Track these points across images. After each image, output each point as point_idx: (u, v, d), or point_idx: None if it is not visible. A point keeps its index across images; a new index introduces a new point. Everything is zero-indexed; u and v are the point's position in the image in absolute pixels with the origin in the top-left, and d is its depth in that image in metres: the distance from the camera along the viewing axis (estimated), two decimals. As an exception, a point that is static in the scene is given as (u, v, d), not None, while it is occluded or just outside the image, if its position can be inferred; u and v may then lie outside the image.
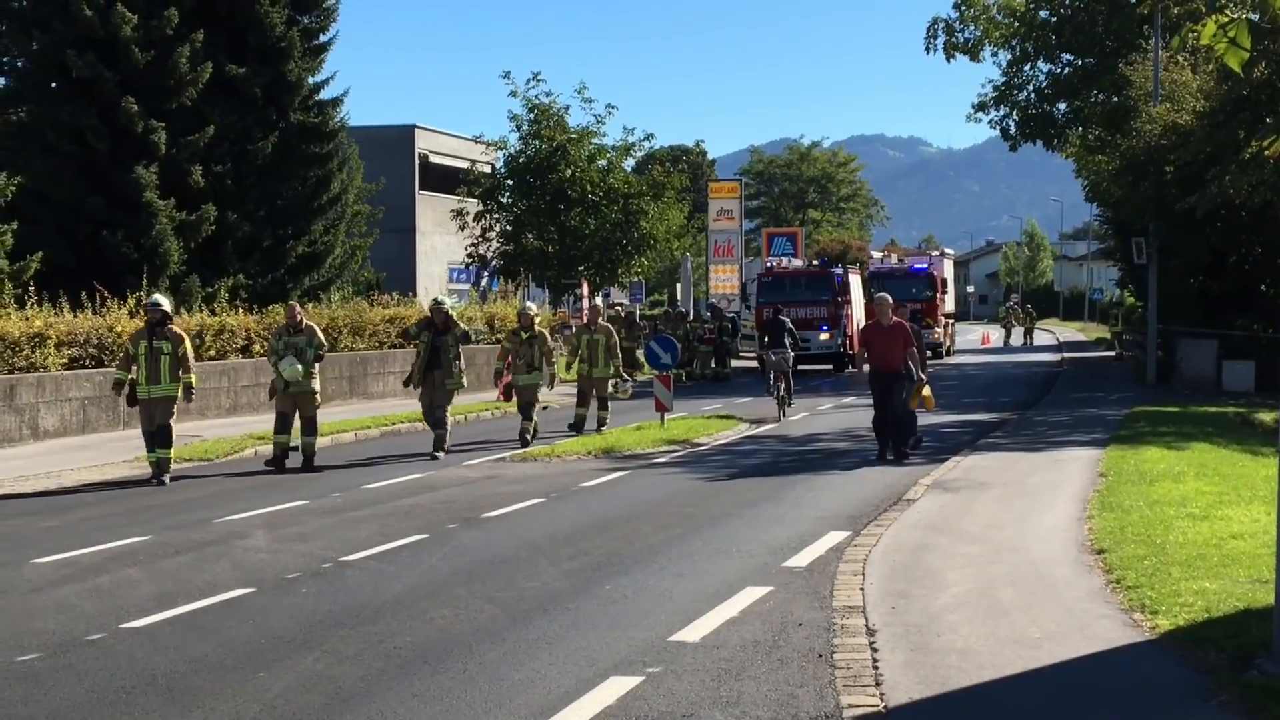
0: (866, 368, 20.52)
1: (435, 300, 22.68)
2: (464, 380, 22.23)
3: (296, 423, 20.32)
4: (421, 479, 18.76)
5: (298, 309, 21.04)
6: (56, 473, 19.71)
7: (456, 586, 11.37)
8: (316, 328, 21.08)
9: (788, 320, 31.33)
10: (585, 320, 26.66)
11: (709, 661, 8.84)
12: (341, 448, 23.59)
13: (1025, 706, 7.74)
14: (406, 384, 22.60)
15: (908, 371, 20.22)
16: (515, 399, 23.82)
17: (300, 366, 20.03)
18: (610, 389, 26.39)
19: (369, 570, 12.19)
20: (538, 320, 24.16)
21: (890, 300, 20.76)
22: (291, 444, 20.25)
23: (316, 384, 20.39)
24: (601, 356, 25.50)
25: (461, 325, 22.37)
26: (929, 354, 56.60)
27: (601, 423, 25.49)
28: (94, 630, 9.96)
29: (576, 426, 25.02)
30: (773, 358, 29.28)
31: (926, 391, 20.68)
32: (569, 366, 28.24)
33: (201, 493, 17.81)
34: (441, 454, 21.31)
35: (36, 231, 34.23)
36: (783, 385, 28.67)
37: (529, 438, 23.15)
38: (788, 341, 29.68)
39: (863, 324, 52.77)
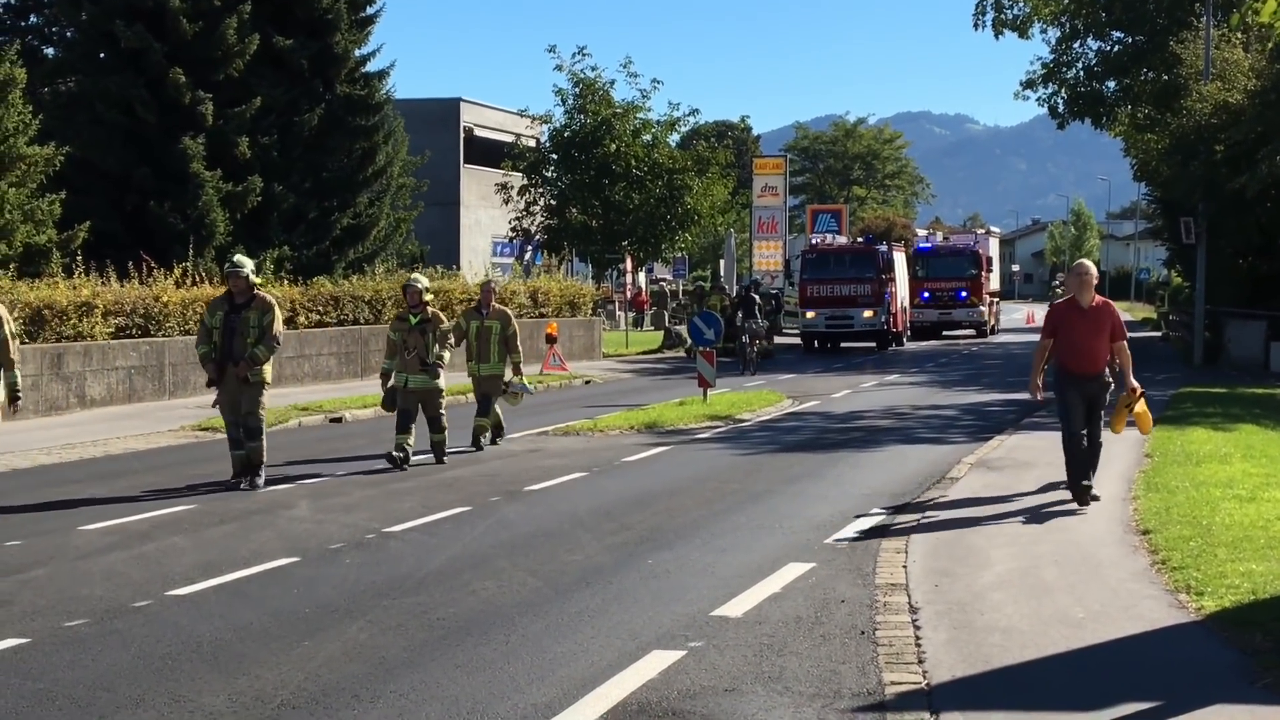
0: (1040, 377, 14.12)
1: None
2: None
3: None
4: (463, 452, 18.79)
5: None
6: (103, 441, 19.86)
7: (499, 559, 11.40)
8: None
9: (756, 297, 39.09)
10: (478, 303, 19.84)
11: (751, 637, 8.84)
12: (384, 419, 23.62)
13: (1068, 686, 7.70)
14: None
15: (1112, 378, 14.00)
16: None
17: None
18: (501, 389, 19.55)
19: (412, 541, 12.23)
20: (429, 298, 18.08)
21: (1093, 271, 13.71)
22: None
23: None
24: (494, 349, 19.35)
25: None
26: (973, 332, 56.99)
27: (480, 432, 19.27)
28: (140, 597, 10.03)
29: (475, 441, 19.18)
30: (750, 326, 37.18)
31: (1142, 407, 14.25)
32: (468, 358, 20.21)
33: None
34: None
35: (84, 201, 34.47)
36: (752, 348, 36.55)
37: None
38: (756, 313, 37.94)
39: (905, 300, 52.97)
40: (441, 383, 17.73)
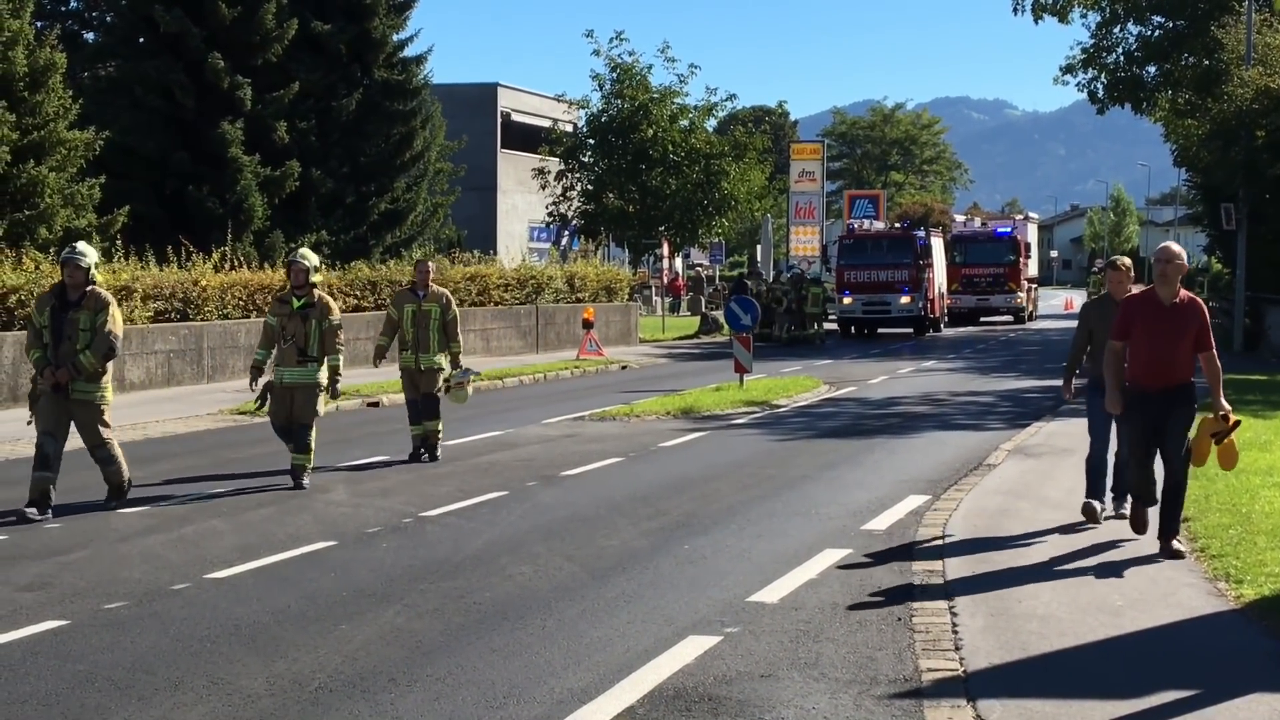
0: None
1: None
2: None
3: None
4: (500, 437, 18.84)
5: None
6: (142, 424, 19.96)
7: (535, 544, 11.42)
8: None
9: (750, 283, 41.56)
10: (412, 284, 17.31)
11: (787, 623, 8.83)
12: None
13: (1106, 674, 7.67)
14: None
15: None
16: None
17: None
18: (442, 387, 16.76)
19: (449, 526, 12.26)
20: (317, 278, 15.05)
21: (1182, 257, 10.71)
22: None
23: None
24: (434, 338, 16.64)
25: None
26: (1010, 319, 56.78)
27: (431, 438, 16.60)
28: (179, 580, 10.09)
29: (416, 454, 16.58)
30: None
31: (1232, 439, 10.92)
32: (381, 355, 17.29)
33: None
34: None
35: (124, 186, 34.60)
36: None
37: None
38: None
39: (943, 286, 52.81)
40: (324, 380, 14.71)
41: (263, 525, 12.32)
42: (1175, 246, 10.77)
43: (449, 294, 17.19)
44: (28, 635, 8.60)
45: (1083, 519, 11.87)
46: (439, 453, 16.57)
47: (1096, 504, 11.92)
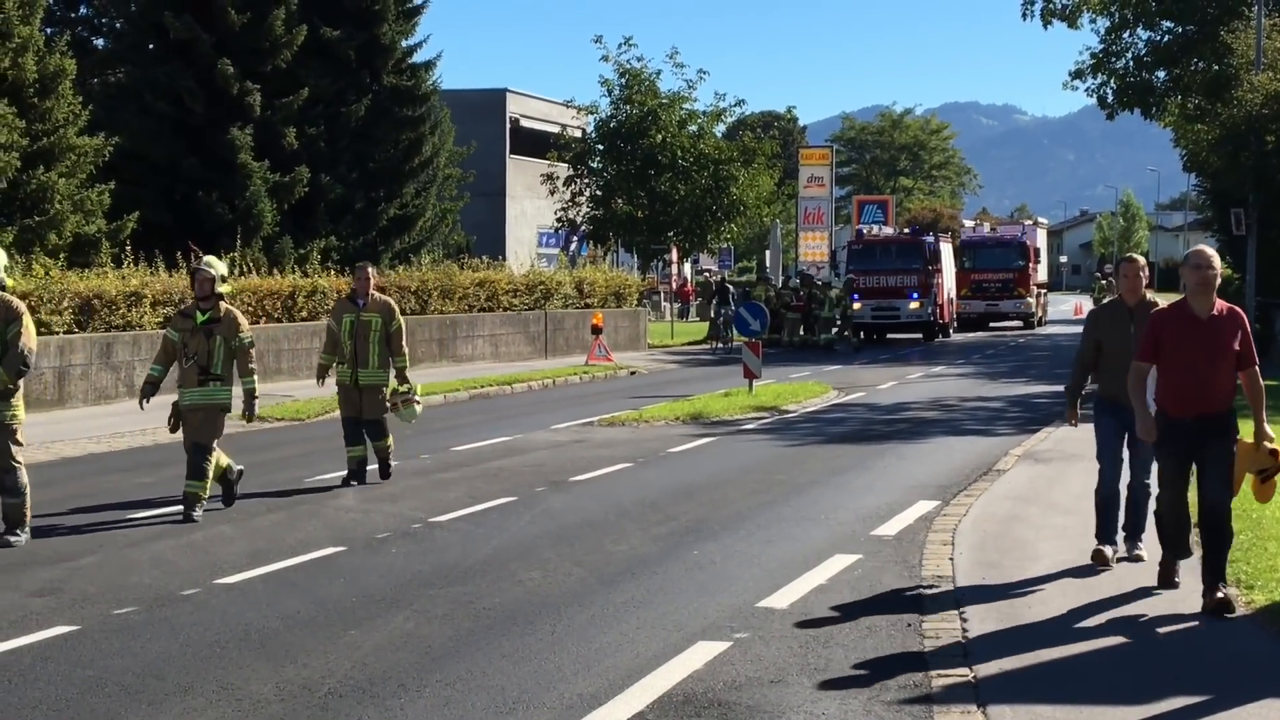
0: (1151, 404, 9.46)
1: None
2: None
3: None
4: (510, 442, 18.85)
5: None
6: (152, 430, 19.94)
7: (545, 549, 11.42)
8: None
9: (730, 287, 44.62)
10: (351, 292, 15.52)
11: (797, 628, 8.83)
12: (430, 409, 23.75)
13: (1116, 678, 7.66)
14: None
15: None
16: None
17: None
18: (385, 405, 15.20)
19: (458, 531, 12.27)
20: (225, 289, 13.50)
21: (1217, 263, 9.20)
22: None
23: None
24: (375, 351, 15.03)
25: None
26: (1019, 324, 56.69)
27: (382, 458, 15.21)
28: (188, 585, 10.10)
29: (356, 475, 15.05)
30: (724, 311, 41.39)
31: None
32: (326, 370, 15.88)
33: (293, 451, 18.00)
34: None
35: (133, 191, 34.65)
36: (727, 331, 40.95)
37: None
38: (730, 299, 41.90)
39: (952, 292, 52.88)
40: (229, 402, 13.34)
41: (272, 531, 12.33)
42: (1209, 250, 9.26)
43: (393, 303, 15.55)
44: (38, 640, 8.61)
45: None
46: (390, 470, 15.16)
47: (1108, 549, 10.41)
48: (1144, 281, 10.53)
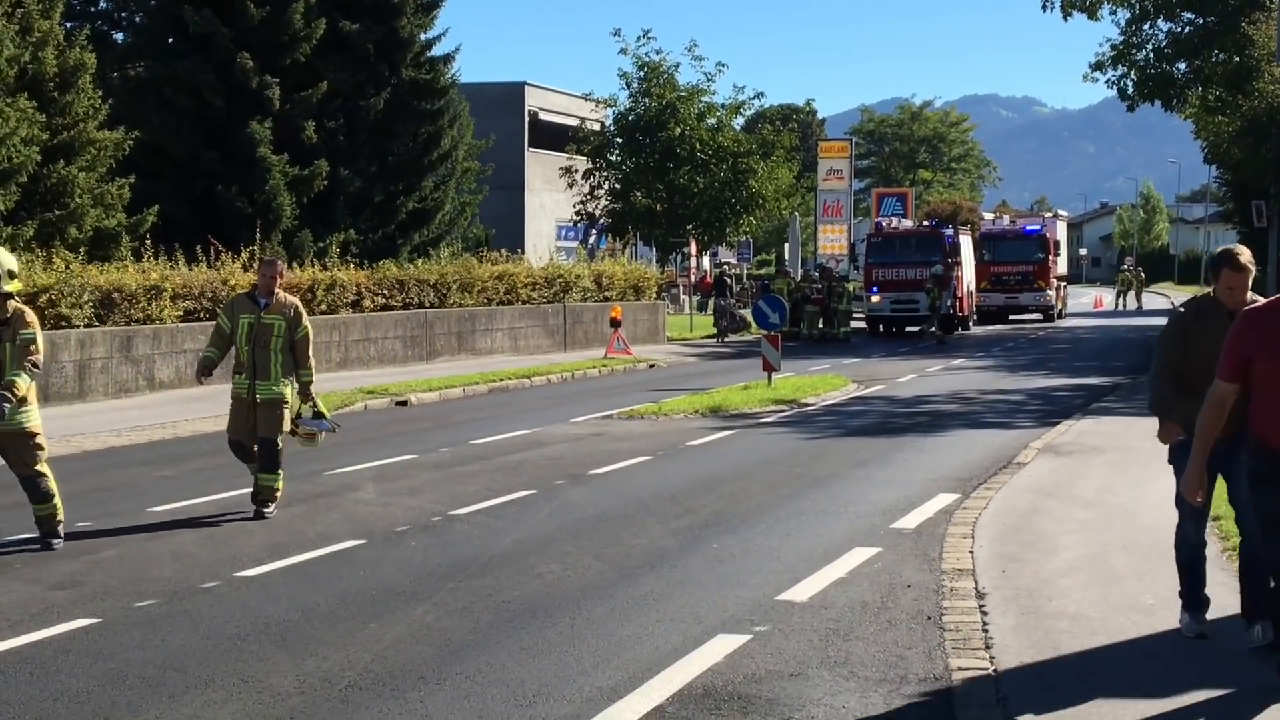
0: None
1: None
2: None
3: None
4: (529, 435, 18.84)
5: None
6: (172, 423, 20.03)
7: (564, 542, 11.42)
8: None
9: (728, 279, 48.16)
10: (253, 288, 13.27)
11: (817, 621, 8.81)
12: (449, 403, 23.80)
13: (1138, 672, 7.63)
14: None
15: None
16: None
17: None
18: (288, 425, 12.97)
19: (477, 524, 12.27)
20: (12, 286, 11.00)
21: None
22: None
23: None
24: (276, 361, 12.74)
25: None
26: (1039, 317, 56.55)
27: (264, 496, 12.70)
28: (209, 578, 10.12)
29: (259, 497, 12.75)
30: (721, 303, 44.39)
31: None
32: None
33: (303, 450, 17.96)
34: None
35: (153, 185, 34.72)
36: (724, 321, 43.56)
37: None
38: (728, 291, 45.74)
39: (971, 285, 52.73)
40: (31, 422, 11.19)
41: (292, 524, 12.34)
42: None
43: (299, 304, 13.15)
44: (59, 633, 8.64)
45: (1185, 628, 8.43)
46: (271, 510, 12.63)
47: (1204, 621, 8.36)
48: (1248, 287, 8.01)
